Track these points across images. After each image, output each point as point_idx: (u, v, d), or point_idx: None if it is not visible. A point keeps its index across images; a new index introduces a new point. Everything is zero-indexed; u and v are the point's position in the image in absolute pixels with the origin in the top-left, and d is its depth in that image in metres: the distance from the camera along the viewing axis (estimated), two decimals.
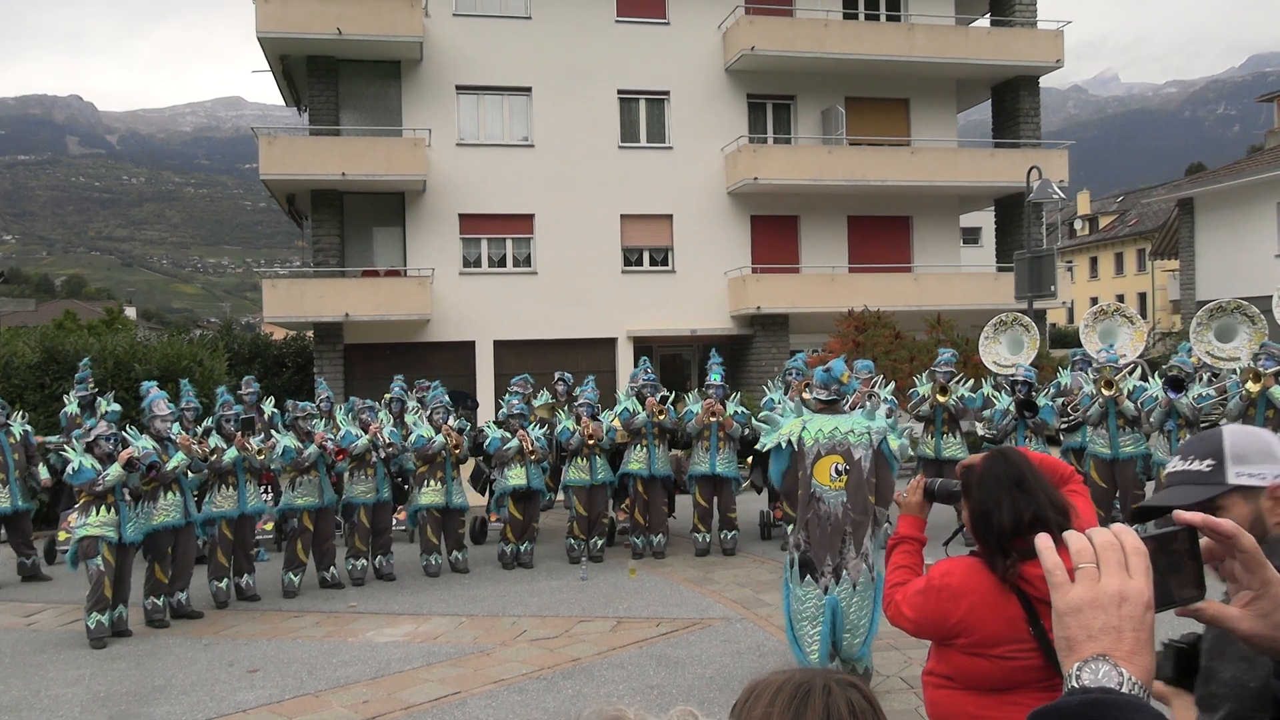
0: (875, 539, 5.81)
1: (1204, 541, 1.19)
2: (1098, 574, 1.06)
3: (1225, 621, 1.21)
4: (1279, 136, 29.53)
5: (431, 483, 10.03)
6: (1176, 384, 9.96)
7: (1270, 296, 10.26)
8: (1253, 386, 9.15)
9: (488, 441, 10.38)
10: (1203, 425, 10.20)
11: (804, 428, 5.84)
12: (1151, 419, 10.16)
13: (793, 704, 1.47)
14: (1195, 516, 1.17)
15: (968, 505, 2.83)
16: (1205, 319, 10.52)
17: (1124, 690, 0.99)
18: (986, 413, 11.05)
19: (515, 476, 10.18)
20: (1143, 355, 11.79)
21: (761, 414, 6.32)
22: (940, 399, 10.79)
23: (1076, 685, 1.01)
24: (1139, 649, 1.02)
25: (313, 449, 9.35)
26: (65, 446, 8.88)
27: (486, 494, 11.24)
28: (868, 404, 8.62)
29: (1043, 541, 1.12)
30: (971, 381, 11.61)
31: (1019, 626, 2.67)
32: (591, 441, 10.30)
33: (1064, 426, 10.92)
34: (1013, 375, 11.07)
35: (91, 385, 11.58)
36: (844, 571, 5.67)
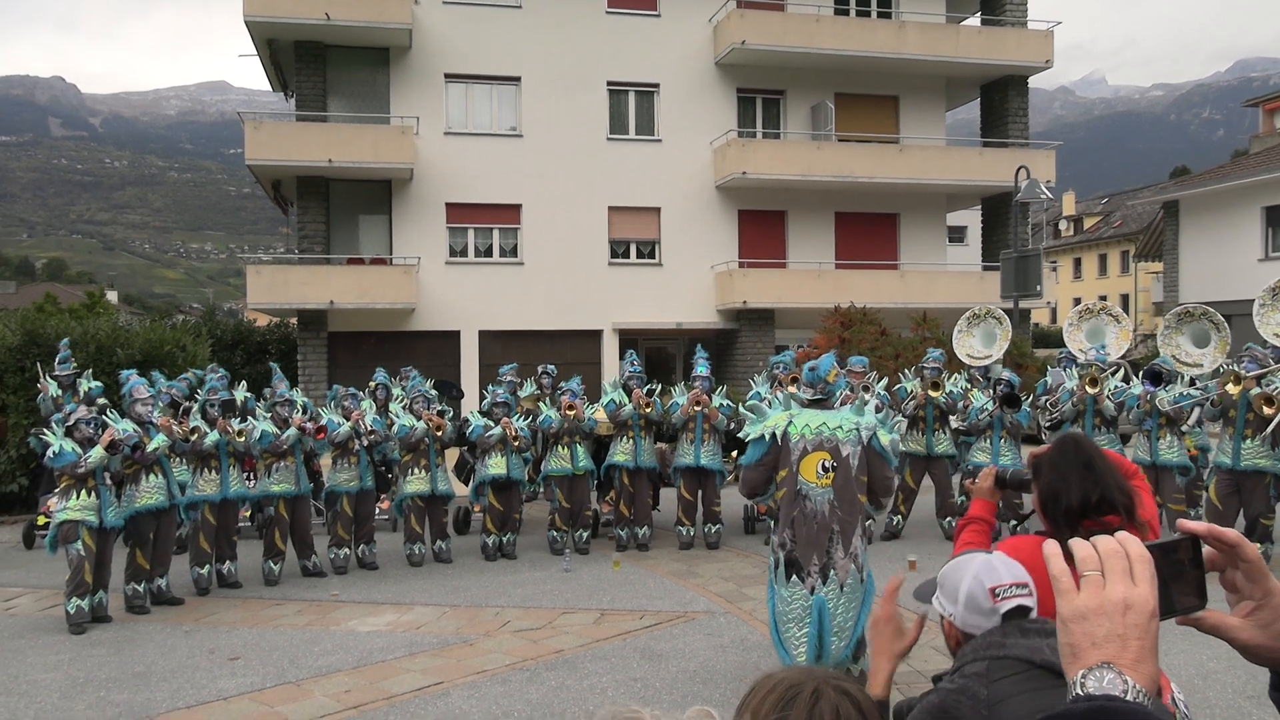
0: (864, 537, 5.67)
1: (1207, 551, 1.19)
2: (1103, 581, 1.07)
3: (1226, 631, 1.21)
4: (1264, 141, 29.77)
5: (416, 471, 10.01)
6: (1155, 377, 10.03)
7: (1254, 301, 10.33)
8: (1233, 389, 9.21)
9: (470, 429, 10.36)
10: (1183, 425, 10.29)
11: (790, 422, 5.64)
12: (1131, 417, 10.24)
13: (780, 705, 1.48)
14: (1199, 526, 1.18)
15: (1038, 488, 2.91)
16: (1174, 323, 10.67)
17: (1128, 698, 0.99)
18: (961, 405, 11.14)
19: (495, 465, 10.15)
20: (1125, 356, 11.86)
21: (749, 403, 6.19)
22: (932, 394, 10.87)
23: (1081, 692, 1.01)
24: (1143, 657, 1.02)
25: (291, 432, 9.31)
26: (45, 430, 8.80)
27: (470, 484, 11.22)
28: (861, 397, 8.61)
29: (1050, 548, 1.12)
30: (955, 376, 11.69)
31: None
32: (571, 413, 10.28)
33: (1048, 425, 10.98)
34: (994, 376, 11.13)
35: (74, 365, 11.50)
36: (831, 571, 5.46)
